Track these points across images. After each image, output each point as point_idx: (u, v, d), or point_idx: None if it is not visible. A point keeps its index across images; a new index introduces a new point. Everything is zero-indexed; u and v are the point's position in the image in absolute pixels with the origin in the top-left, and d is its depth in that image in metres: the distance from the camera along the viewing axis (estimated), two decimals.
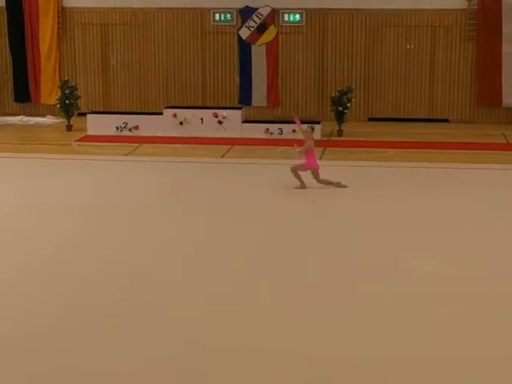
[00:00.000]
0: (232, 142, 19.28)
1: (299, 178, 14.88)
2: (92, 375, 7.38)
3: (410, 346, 8.02)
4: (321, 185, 14.77)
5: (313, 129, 15.27)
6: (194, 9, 22.50)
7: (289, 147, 16.43)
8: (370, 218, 12.76)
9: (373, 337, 8.22)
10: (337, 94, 20.32)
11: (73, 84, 21.11)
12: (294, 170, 14.91)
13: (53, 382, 7.30)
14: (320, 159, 17.49)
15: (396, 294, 9.46)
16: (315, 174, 14.80)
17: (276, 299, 9.26)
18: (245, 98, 22.54)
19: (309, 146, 14.81)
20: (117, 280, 9.87)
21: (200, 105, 22.31)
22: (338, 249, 11.20)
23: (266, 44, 22.41)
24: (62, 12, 22.94)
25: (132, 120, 20.50)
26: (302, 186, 14.83)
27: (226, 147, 18.70)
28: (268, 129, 19.91)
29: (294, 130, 19.74)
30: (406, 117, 22.32)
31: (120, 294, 9.41)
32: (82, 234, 11.82)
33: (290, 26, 22.29)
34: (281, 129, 19.87)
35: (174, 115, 20.35)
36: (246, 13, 22.29)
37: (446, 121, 22.26)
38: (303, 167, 14.89)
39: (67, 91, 20.80)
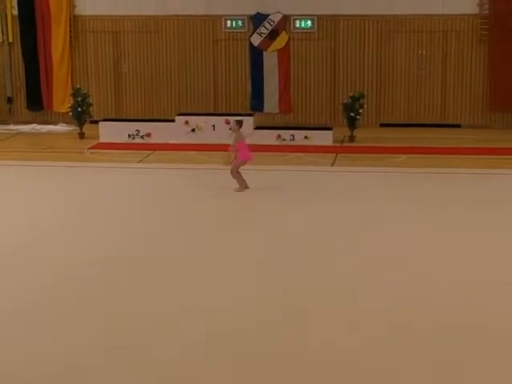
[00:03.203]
0: None
1: (239, 180, 14.76)
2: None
3: (413, 347, 8.03)
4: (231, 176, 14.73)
5: (239, 122, 15.02)
6: (206, 16, 22.54)
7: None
8: (379, 222, 12.77)
9: (379, 338, 8.24)
10: (349, 99, 20.33)
11: (85, 92, 21.21)
12: (234, 171, 14.76)
13: None
14: (332, 165, 17.57)
15: (397, 294, 9.51)
16: (238, 164, 14.71)
17: (283, 304, 9.29)
18: (257, 104, 22.57)
19: (237, 139, 14.76)
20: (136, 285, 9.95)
21: (212, 111, 22.35)
22: (343, 254, 11.20)
23: (278, 50, 22.43)
24: (74, 20, 23.05)
25: (144, 127, 20.56)
26: (241, 188, 14.77)
27: None
28: (280, 135, 19.92)
29: (305, 137, 19.82)
30: (417, 122, 22.29)
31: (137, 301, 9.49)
32: (98, 241, 11.87)
33: (302, 33, 22.30)
34: (293, 135, 19.89)
35: (186, 122, 20.40)
36: (257, 19, 22.34)
37: (458, 126, 22.21)
38: (240, 163, 14.79)
39: (79, 99, 20.88)
